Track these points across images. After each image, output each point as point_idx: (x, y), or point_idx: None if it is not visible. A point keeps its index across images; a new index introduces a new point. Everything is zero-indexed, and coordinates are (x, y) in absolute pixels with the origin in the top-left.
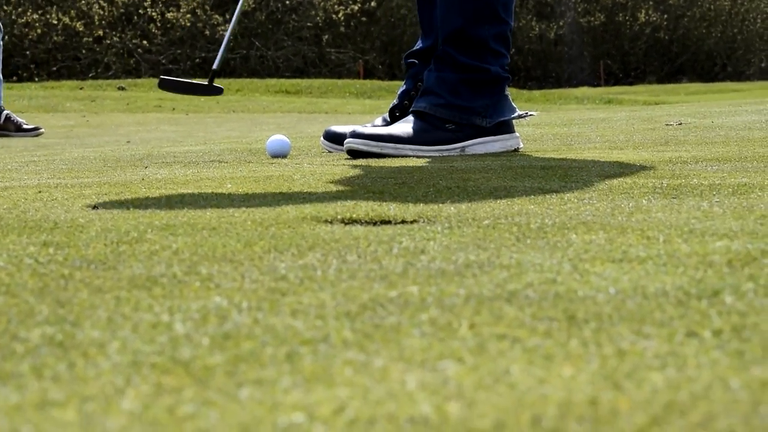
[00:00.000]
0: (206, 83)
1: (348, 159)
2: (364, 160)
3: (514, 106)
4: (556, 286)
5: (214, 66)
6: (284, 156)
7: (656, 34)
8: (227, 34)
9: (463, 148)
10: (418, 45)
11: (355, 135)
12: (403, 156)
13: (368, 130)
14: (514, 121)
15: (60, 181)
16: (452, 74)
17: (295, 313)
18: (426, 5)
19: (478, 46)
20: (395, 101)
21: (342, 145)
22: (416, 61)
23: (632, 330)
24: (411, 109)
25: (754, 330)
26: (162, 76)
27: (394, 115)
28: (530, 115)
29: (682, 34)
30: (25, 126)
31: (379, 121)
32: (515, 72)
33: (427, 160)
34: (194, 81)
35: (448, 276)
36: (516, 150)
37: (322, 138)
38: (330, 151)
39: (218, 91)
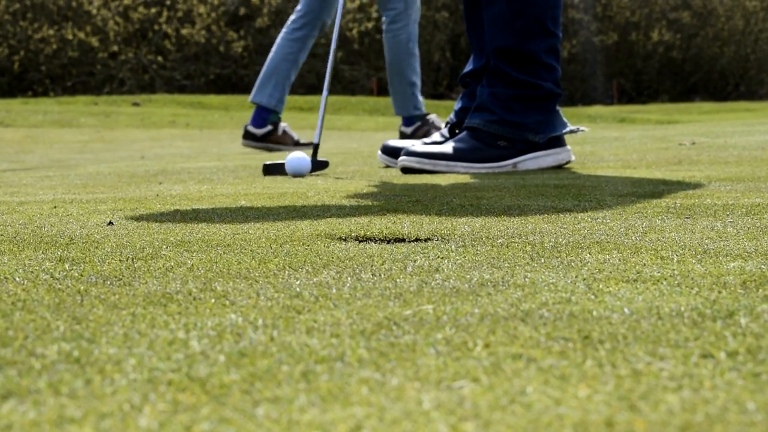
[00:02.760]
0: (311, 158)
1: (362, 177)
2: (380, 178)
3: (565, 120)
4: (570, 305)
5: (315, 140)
6: (303, 175)
7: (669, 53)
8: (321, 110)
9: (515, 164)
10: (470, 66)
11: (408, 153)
12: (455, 173)
13: (421, 148)
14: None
15: (75, 197)
16: (505, 90)
17: (310, 331)
18: (475, 27)
19: (531, 61)
20: (453, 118)
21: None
22: (471, 81)
23: (647, 351)
24: (464, 125)
25: None
26: (265, 163)
27: (454, 133)
28: (582, 130)
29: (695, 53)
30: (301, 141)
31: (437, 136)
32: None
33: (442, 177)
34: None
35: (463, 295)
36: (567, 163)
37: (379, 152)
38: (388, 166)
39: (324, 165)
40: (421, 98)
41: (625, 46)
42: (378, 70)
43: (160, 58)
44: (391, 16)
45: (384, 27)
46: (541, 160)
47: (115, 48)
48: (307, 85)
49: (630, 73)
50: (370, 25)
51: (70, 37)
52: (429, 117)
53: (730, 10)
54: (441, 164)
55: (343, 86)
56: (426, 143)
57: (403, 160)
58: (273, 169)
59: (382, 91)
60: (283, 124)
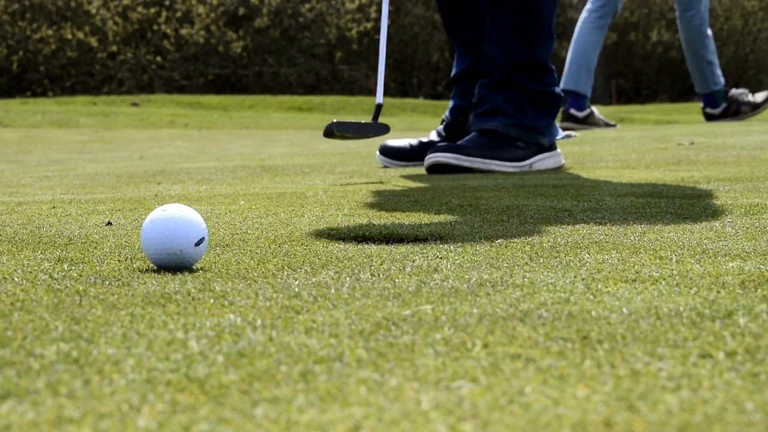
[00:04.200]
0: (372, 122)
1: (361, 177)
2: (379, 178)
3: (558, 126)
4: (569, 305)
5: (379, 100)
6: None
7: (668, 53)
8: (380, 64)
9: (531, 165)
10: (457, 67)
11: (442, 149)
12: (489, 171)
13: (456, 144)
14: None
15: (74, 197)
16: (520, 95)
17: (309, 332)
18: (455, 28)
19: (542, 69)
20: (448, 117)
21: (398, 159)
22: (464, 80)
23: (646, 351)
24: (479, 128)
25: None
26: (334, 121)
27: (450, 130)
28: (574, 135)
29: None
30: (611, 123)
31: (433, 135)
32: None
33: (438, 178)
34: (361, 121)
35: (462, 295)
36: (562, 165)
37: (378, 153)
38: (386, 166)
39: (386, 129)
40: (719, 73)
41: (624, 47)
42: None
43: (159, 59)
44: (685, 4)
45: (678, 15)
46: (547, 161)
47: (114, 48)
48: (306, 85)
49: (629, 73)
50: (369, 25)
51: (69, 37)
52: (732, 94)
53: (729, 10)
54: (477, 161)
55: (342, 86)
56: (424, 142)
57: (437, 156)
58: (342, 128)
59: None
60: (593, 108)
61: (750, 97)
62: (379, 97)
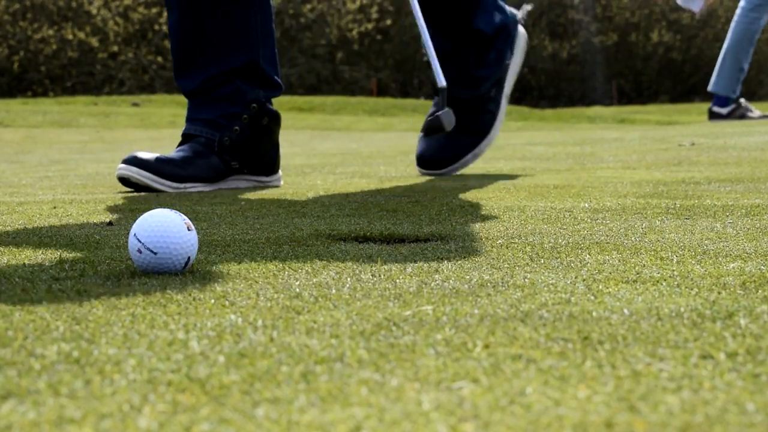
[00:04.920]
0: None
1: (362, 177)
2: (380, 178)
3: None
4: (570, 306)
5: (442, 83)
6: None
7: (669, 54)
8: (429, 48)
9: (499, 118)
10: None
11: (431, 152)
12: (480, 155)
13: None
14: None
15: (75, 197)
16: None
17: (310, 332)
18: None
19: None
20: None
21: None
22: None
23: (647, 351)
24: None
25: None
26: (438, 114)
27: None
28: (528, 8)
29: (695, 54)
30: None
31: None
32: (528, 91)
33: (439, 178)
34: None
35: (462, 295)
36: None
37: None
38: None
39: (444, 123)
40: (740, 86)
41: (625, 47)
42: (378, 71)
43: (159, 59)
44: (753, 3)
45: (740, 11)
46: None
47: (115, 48)
48: (307, 85)
49: (630, 74)
50: (370, 26)
51: (70, 37)
52: (741, 100)
53: (730, 11)
54: (469, 156)
55: (342, 87)
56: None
57: (424, 168)
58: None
59: (382, 91)
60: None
61: (751, 113)
62: (441, 80)
